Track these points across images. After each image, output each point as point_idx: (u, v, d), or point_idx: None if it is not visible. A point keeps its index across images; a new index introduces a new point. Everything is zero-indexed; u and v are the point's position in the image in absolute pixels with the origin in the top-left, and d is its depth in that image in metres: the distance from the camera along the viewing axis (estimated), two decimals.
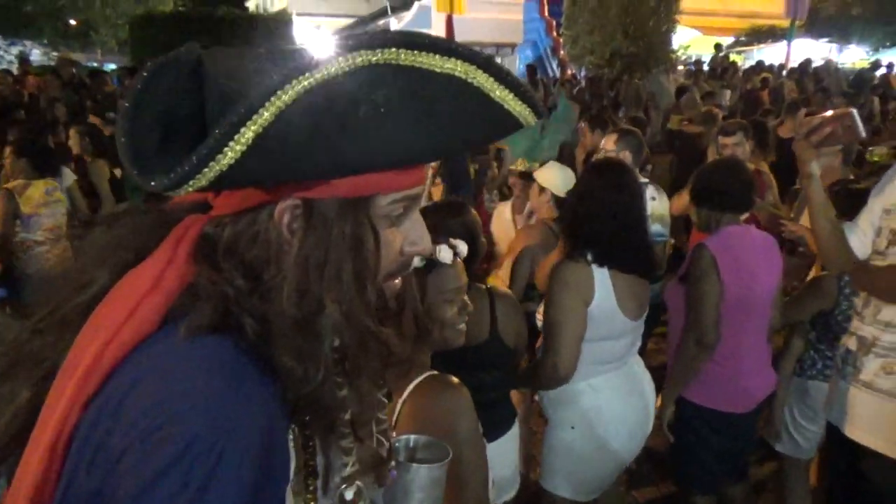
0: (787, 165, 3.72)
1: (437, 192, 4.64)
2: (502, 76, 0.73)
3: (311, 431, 0.81)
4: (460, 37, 15.10)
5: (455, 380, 1.49)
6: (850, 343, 2.15)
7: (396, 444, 1.06)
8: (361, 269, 0.78)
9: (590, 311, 2.29)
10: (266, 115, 0.65)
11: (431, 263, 1.61)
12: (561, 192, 3.20)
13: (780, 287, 2.69)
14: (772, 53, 18.88)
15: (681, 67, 14.80)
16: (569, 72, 15.39)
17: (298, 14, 18.03)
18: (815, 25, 21.11)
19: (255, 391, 0.72)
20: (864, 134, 2.08)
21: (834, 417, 2.22)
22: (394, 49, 0.68)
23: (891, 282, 1.98)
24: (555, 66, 17.13)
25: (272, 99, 0.65)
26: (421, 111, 0.72)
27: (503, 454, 2.19)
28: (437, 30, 16.35)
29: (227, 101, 0.70)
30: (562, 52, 16.30)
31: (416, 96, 0.71)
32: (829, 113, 2.12)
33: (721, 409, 2.55)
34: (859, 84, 13.00)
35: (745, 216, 2.73)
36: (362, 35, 0.69)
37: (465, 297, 1.68)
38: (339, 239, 0.77)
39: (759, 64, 15.73)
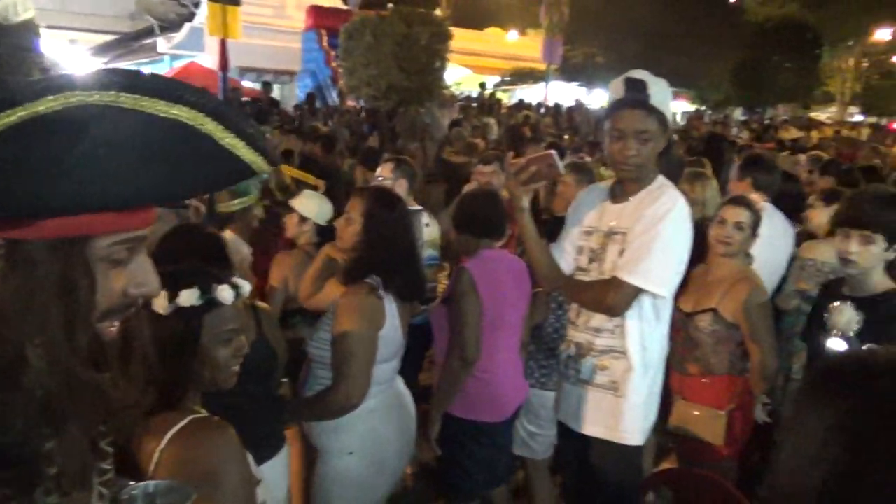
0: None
1: None
2: (231, 124, 0.73)
3: (10, 490, 0.75)
4: (236, 62, 14.63)
5: (219, 420, 1.44)
6: (570, 349, 2.44)
7: (133, 493, 1.02)
8: (71, 313, 0.74)
9: (380, 336, 2.34)
10: None
11: (210, 302, 1.53)
12: (322, 221, 3.27)
13: (529, 306, 2.98)
14: (532, 93, 20.82)
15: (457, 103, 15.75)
16: (349, 102, 15.62)
17: (48, 27, 16.25)
18: (567, 70, 23.81)
19: None
20: (563, 171, 2.40)
21: (563, 417, 2.50)
22: (113, 92, 0.66)
23: (594, 295, 2.29)
24: (335, 95, 17.27)
25: None
26: (145, 153, 0.71)
27: (274, 477, 2.18)
28: (211, 53, 15.70)
29: None
30: (340, 82, 16.51)
31: (141, 139, 0.69)
32: (533, 155, 2.35)
33: (479, 420, 2.74)
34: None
35: (500, 242, 2.99)
36: (82, 75, 0.67)
37: (243, 338, 1.62)
38: (45, 282, 0.72)
39: (521, 102, 17.30)
